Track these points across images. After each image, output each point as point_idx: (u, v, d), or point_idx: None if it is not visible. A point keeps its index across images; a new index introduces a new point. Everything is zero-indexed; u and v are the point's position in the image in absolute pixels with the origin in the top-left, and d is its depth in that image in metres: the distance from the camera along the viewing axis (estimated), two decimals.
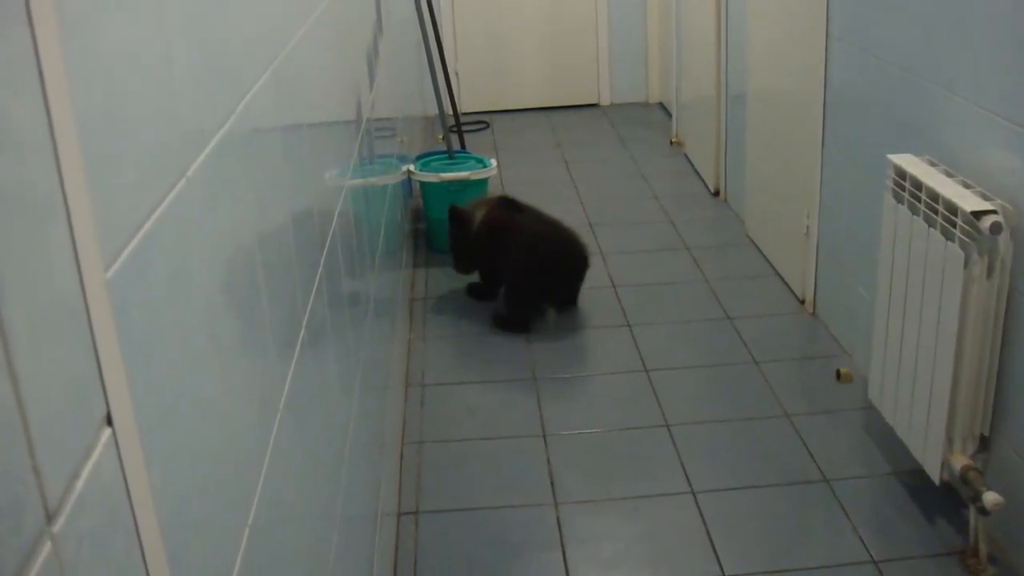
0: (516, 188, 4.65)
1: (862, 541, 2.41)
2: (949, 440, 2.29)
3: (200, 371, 0.86)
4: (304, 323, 1.35)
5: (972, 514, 2.29)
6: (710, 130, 4.78)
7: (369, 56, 2.80)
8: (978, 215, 2.11)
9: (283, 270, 1.24)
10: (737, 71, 4.33)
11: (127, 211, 0.72)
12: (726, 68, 4.52)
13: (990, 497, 2.15)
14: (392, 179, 3.31)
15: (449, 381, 3.27)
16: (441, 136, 4.77)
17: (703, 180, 4.98)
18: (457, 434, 2.96)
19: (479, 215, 3.71)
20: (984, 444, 2.31)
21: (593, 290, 3.79)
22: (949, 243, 2.20)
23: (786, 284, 3.78)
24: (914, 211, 2.38)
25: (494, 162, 4.41)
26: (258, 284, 1.10)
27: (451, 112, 5.11)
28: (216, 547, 0.87)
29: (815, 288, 3.53)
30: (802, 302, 3.63)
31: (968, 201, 2.16)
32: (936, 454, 2.30)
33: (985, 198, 2.18)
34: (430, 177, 4.23)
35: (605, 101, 6.53)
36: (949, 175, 2.34)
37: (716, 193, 4.81)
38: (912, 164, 2.44)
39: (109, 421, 0.64)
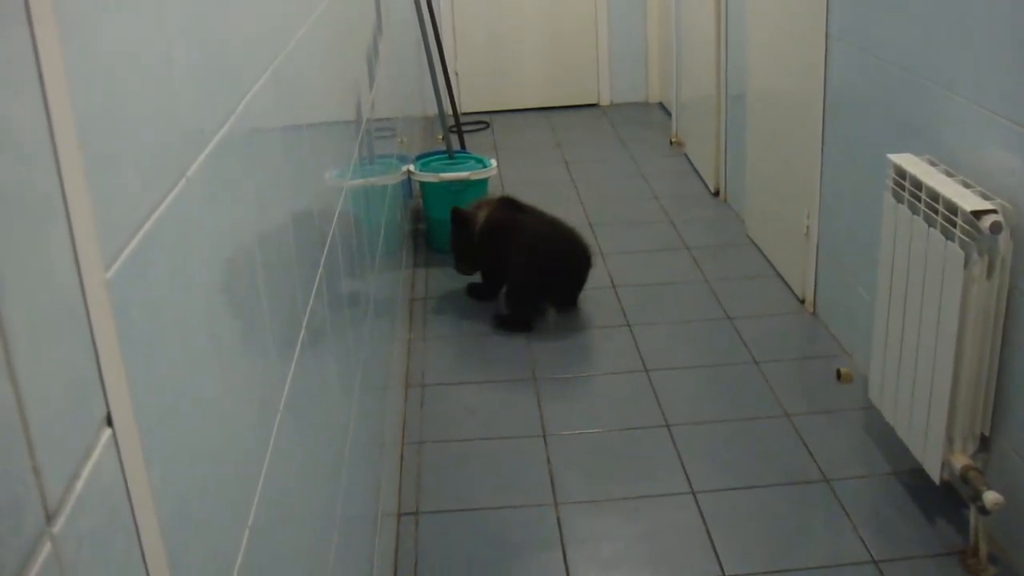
0: (516, 188, 4.65)
1: (862, 541, 2.41)
2: (949, 440, 2.29)
3: (200, 371, 0.86)
4: (304, 323, 1.35)
5: (972, 514, 2.29)
6: (710, 130, 4.78)
7: (369, 56, 2.80)
8: (978, 215, 2.11)
9: (283, 270, 1.24)
10: (737, 71, 4.32)
11: (127, 211, 0.72)
12: (726, 68, 4.52)
13: (990, 497, 2.15)
14: (392, 179, 3.32)
15: (449, 381, 3.27)
16: (441, 136, 4.77)
17: (703, 180, 4.97)
18: (457, 434, 2.96)
19: (481, 216, 3.71)
20: (984, 444, 2.30)
21: (593, 290, 3.79)
22: (949, 243, 2.20)
23: (786, 284, 3.78)
24: (914, 211, 2.38)
25: (494, 162, 4.41)
26: (258, 284, 1.10)
27: (451, 112, 5.11)
28: (216, 547, 0.87)
29: (815, 288, 3.53)
30: (802, 302, 3.63)
31: (968, 201, 2.16)
32: (936, 454, 2.30)
33: (985, 198, 2.18)
34: (430, 177, 4.23)
35: (605, 101, 6.53)
36: (949, 175, 2.34)
37: (716, 193, 4.80)
38: (912, 164, 2.44)
39: (109, 421, 0.64)
